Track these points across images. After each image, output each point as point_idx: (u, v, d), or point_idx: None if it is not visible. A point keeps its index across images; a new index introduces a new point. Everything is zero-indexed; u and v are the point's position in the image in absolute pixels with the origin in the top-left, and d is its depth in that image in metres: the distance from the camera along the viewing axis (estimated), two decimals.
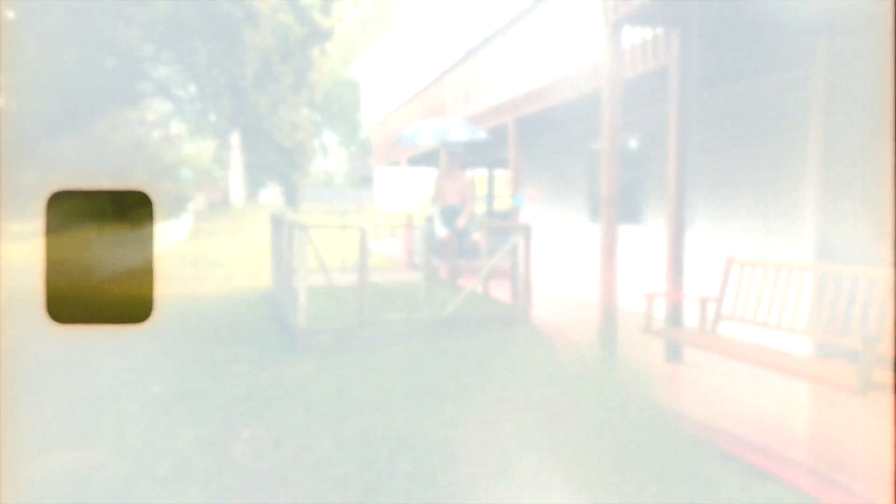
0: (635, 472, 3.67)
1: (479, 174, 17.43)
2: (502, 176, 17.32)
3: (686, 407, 4.68)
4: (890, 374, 3.74)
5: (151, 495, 3.71)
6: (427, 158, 14.23)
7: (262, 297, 10.73)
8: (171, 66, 8.55)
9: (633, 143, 8.90)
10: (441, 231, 8.97)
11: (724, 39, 5.84)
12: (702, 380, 5.50)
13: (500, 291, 8.37)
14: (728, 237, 6.97)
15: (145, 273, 2.61)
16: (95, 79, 8.72)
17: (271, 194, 33.92)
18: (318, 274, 7.39)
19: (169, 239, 21.54)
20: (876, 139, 5.86)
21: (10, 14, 7.64)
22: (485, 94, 10.67)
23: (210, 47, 7.56)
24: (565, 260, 10.61)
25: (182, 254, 18.74)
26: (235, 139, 29.82)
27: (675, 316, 5.82)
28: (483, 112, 10.53)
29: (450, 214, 9.03)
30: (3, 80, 8.40)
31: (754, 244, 6.58)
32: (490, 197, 17.23)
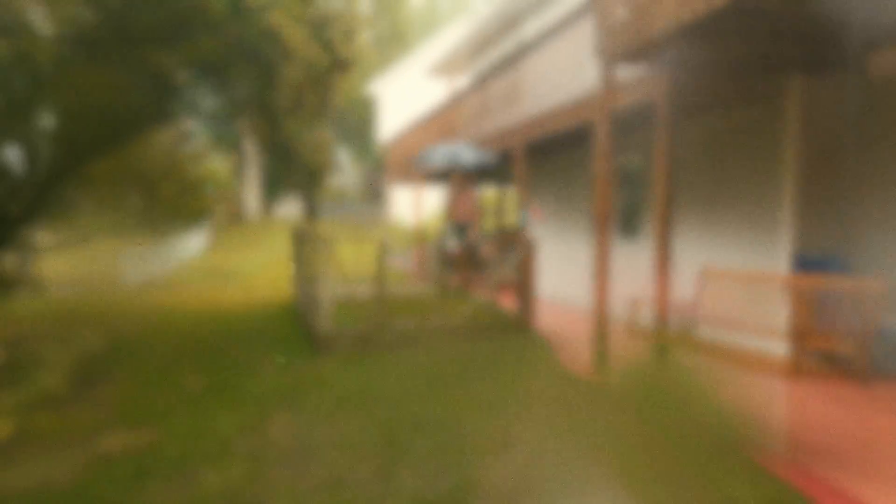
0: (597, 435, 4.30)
1: (489, 192, 18.11)
2: (511, 194, 17.98)
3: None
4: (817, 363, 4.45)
5: (202, 468, 4.38)
6: (438, 176, 14.94)
7: (284, 305, 11.44)
8: (211, 94, 9.33)
9: (632, 165, 9.57)
10: (452, 245, 9.65)
11: (707, 76, 6.52)
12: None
13: (507, 301, 9.02)
14: (712, 250, 7.61)
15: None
16: (135, 100, 9.46)
17: (287, 208, 34.77)
18: (337, 283, 8.09)
19: (192, 250, 22.34)
20: (843, 163, 6.53)
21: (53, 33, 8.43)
22: (495, 117, 11.38)
23: (248, 81, 8.33)
24: (569, 271, 11.25)
25: (206, 265, 19.52)
26: (252, 154, 30.70)
27: (661, 320, 6.46)
28: (493, 134, 11.24)
29: (460, 230, 9.71)
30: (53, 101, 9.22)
31: (736, 255, 7.22)
32: (499, 213, 17.89)
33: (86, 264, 15.44)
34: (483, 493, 3.74)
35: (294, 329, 9.23)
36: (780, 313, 5.79)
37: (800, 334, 5.39)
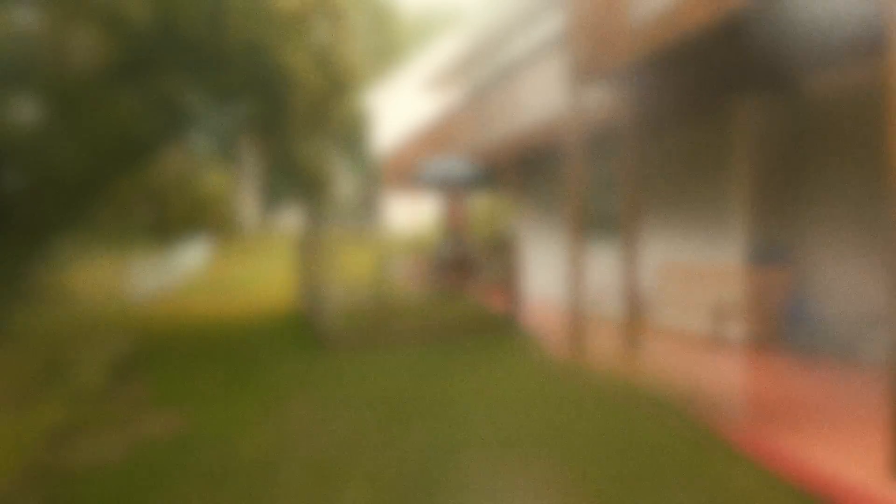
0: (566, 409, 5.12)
1: (482, 201, 18.95)
2: (503, 202, 18.78)
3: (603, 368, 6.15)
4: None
5: (235, 441, 5.17)
6: (433, 187, 15.77)
7: (289, 310, 12.26)
8: (218, 114, 10.19)
9: (604, 174, 10.42)
10: (447, 252, 10.49)
11: (667, 98, 7.38)
12: (645, 357, 6.95)
13: (498, 302, 9.86)
14: (683, 245, 8.46)
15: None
16: (152, 123, 10.30)
17: (285, 219, 35.59)
18: (340, 287, 8.92)
19: (195, 261, 23.13)
20: (788, 172, 7.39)
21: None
22: (485, 132, 12.23)
23: (256, 105, 9.19)
24: (555, 273, 12.08)
25: (210, 276, 20.33)
26: (251, 165, 31.53)
27: (628, 309, 7.29)
28: (485, 147, 12.09)
29: (454, 238, 10.55)
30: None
31: (696, 250, 8.07)
32: (492, 221, 18.71)
33: (92, 276, 16.20)
34: (463, 438, 4.56)
35: (301, 330, 10.04)
36: (716, 299, 6.66)
37: (722, 316, 6.28)
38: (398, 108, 30.18)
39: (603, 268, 9.64)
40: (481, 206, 18.80)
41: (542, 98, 9.76)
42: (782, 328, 6.60)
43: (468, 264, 11.71)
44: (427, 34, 47.68)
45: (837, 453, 4.07)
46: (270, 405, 6.04)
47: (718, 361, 6.47)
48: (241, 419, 5.74)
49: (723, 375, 6.06)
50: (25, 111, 8.83)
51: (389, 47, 42.37)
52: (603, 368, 6.22)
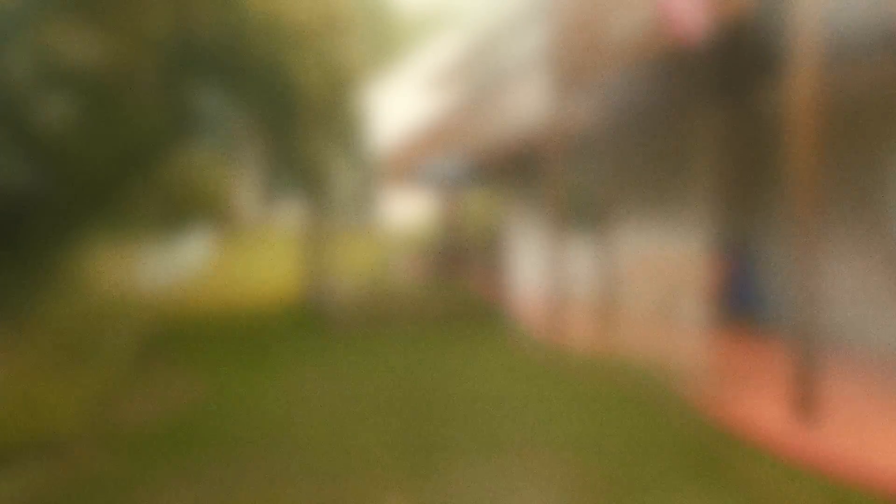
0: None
1: (479, 198, 19.76)
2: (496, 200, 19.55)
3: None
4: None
5: (261, 402, 5.99)
6: (432, 184, 16.58)
7: (296, 298, 13.11)
8: (228, 115, 11.04)
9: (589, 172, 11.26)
10: (443, 245, 11.32)
11: (639, 108, 8.22)
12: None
13: (490, 290, 10.71)
14: (661, 239, 9.32)
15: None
16: (165, 125, 11.13)
17: (286, 215, 36.30)
18: (343, 276, 9.78)
19: (200, 256, 23.87)
20: (747, 171, 8.23)
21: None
22: (481, 133, 13.04)
23: (263, 108, 10.04)
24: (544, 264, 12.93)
25: (214, 269, 21.13)
26: (252, 162, 32.25)
27: (602, 295, 8.14)
28: (482, 147, 12.90)
29: (451, 234, 11.37)
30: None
31: (668, 242, 8.93)
32: (486, 218, 19.52)
33: (110, 266, 16.98)
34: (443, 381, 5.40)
35: (308, 315, 10.89)
36: (674, 284, 7.53)
37: (678, 299, 7.15)
38: (398, 107, 30.94)
39: (584, 259, 10.48)
40: (477, 203, 19.62)
41: (531, 102, 10.57)
42: (735, 307, 7.54)
43: (463, 258, 12.54)
44: (429, 32, 48.31)
45: (759, 402, 4.98)
46: (286, 373, 6.89)
47: (674, 339, 7.28)
48: (263, 382, 6.59)
49: (679, 350, 6.91)
50: (55, 113, 9.63)
51: (390, 45, 43.07)
52: (576, 347, 7.08)
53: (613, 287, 8.16)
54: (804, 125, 4.50)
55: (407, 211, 26.00)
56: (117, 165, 10.55)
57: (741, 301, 7.74)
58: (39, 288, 9.90)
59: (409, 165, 15.62)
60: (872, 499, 3.51)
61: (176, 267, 20.12)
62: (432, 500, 3.75)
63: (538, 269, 12.99)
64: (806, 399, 4.56)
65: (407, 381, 6.38)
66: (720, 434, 4.54)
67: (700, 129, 8.30)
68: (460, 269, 12.22)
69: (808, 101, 4.47)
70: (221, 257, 24.40)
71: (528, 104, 10.48)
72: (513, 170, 13.64)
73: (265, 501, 3.83)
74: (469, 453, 4.41)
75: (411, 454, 4.37)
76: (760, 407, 4.91)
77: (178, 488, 4.09)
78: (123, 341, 8.95)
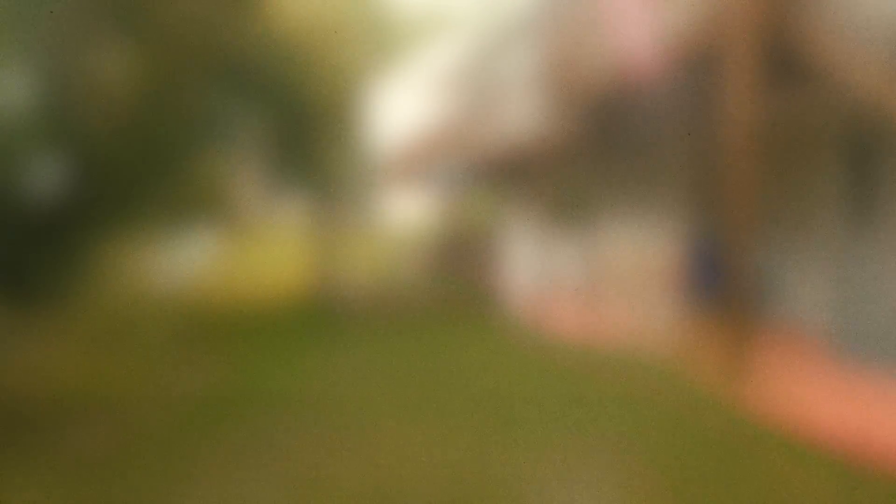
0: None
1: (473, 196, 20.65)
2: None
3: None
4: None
5: (281, 382, 6.87)
6: (432, 184, 17.45)
7: (307, 290, 13.98)
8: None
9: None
10: (444, 242, 12.21)
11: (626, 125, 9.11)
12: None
13: (488, 283, 11.61)
14: (628, 233, 10.22)
15: None
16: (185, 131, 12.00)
17: (289, 212, 37.07)
18: (354, 271, 10.68)
19: (203, 249, 24.64)
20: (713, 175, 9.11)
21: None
22: (480, 140, 13.90)
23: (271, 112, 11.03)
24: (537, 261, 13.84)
25: (220, 263, 21.96)
26: (255, 160, 33.02)
27: (592, 288, 9.03)
28: (479, 156, 13.77)
29: (450, 229, 12.25)
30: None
31: (642, 237, 9.83)
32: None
33: (134, 263, 17.81)
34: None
35: (316, 308, 11.79)
36: (645, 277, 8.45)
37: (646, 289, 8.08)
38: (400, 108, 31.68)
39: (572, 254, 11.38)
40: (474, 202, 20.50)
41: (526, 111, 11.45)
42: (699, 292, 8.50)
43: (462, 254, 13.43)
44: (430, 36, 49.00)
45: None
46: (302, 357, 7.78)
47: (649, 324, 8.20)
48: (280, 369, 7.47)
49: (653, 334, 7.81)
50: (94, 122, 10.51)
51: (392, 48, 43.79)
52: (564, 335, 8.02)
53: (597, 279, 9.07)
54: (743, 145, 5.41)
55: (409, 209, 26.84)
56: (144, 168, 11.44)
57: (704, 287, 8.67)
58: (80, 278, 10.78)
59: (411, 166, 16.51)
60: (881, 482, 3.35)
61: (186, 261, 20.91)
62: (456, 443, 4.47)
63: (531, 264, 13.89)
64: (741, 361, 5.47)
65: (418, 364, 7.27)
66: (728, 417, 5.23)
67: (671, 142, 9.21)
68: (460, 264, 13.15)
69: (747, 121, 5.37)
70: (228, 252, 25.23)
71: (522, 112, 11.38)
72: (508, 172, 14.53)
73: (320, 450, 4.35)
74: (476, 413, 5.22)
75: (433, 418, 4.99)
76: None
77: (236, 442, 4.78)
78: (154, 327, 9.84)
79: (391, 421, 4.99)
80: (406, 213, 28.47)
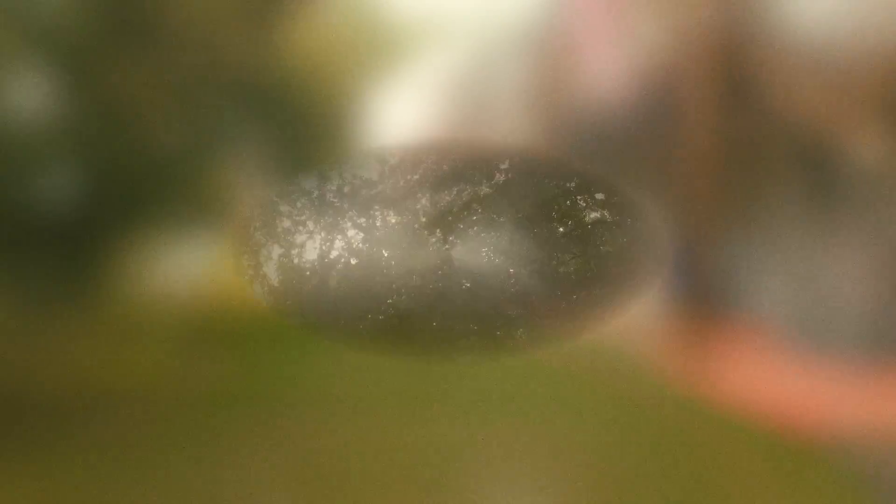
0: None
1: None
2: None
3: None
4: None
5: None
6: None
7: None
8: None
9: None
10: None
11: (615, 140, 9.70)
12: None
13: None
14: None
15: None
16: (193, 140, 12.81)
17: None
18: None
19: (205, 250, 25.08)
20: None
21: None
22: (475, 143, 14.48)
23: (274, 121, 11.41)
24: None
25: (222, 263, 22.55)
26: (255, 159, 33.35)
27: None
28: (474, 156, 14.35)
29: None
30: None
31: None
32: None
33: (135, 264, 18.48)
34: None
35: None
36: None
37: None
38: (396, 115, 32.12)
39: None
40: None
41: (516, 120, 12.03)
42: (677, 288, 9.05)
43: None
44: (425, 45, 49.38)
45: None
46: (306, 362, 8.37)
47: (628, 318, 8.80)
48: (289, 370, 8.05)
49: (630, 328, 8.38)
50: (110, 135, 11.13)
51: (388, 56, 44.26)
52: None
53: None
54: (707, 153, 5.96)
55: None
56: (156, 176, 12.02)
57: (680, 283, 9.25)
58: (95, 278, 11.29)
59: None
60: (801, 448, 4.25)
61: (186, 263, 21.29)
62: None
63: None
64: (703, 355, 6.02)
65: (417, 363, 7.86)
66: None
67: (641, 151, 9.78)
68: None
69: (711, 131, 5.93)
70: (226, 256, 25.65)
71: (512, 121, 11.99)
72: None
73: (332, 447, 5.01)
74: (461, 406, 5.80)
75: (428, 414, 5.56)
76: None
77: (246, 439, 5.34)
78: (166, 326, 10.42)
79: (391, 419, 5.49)
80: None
